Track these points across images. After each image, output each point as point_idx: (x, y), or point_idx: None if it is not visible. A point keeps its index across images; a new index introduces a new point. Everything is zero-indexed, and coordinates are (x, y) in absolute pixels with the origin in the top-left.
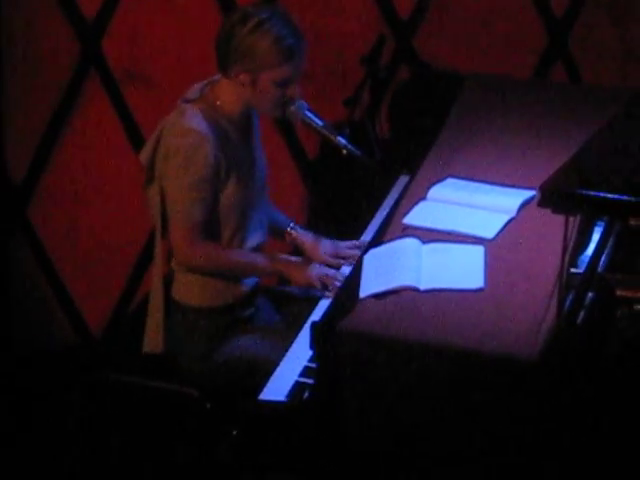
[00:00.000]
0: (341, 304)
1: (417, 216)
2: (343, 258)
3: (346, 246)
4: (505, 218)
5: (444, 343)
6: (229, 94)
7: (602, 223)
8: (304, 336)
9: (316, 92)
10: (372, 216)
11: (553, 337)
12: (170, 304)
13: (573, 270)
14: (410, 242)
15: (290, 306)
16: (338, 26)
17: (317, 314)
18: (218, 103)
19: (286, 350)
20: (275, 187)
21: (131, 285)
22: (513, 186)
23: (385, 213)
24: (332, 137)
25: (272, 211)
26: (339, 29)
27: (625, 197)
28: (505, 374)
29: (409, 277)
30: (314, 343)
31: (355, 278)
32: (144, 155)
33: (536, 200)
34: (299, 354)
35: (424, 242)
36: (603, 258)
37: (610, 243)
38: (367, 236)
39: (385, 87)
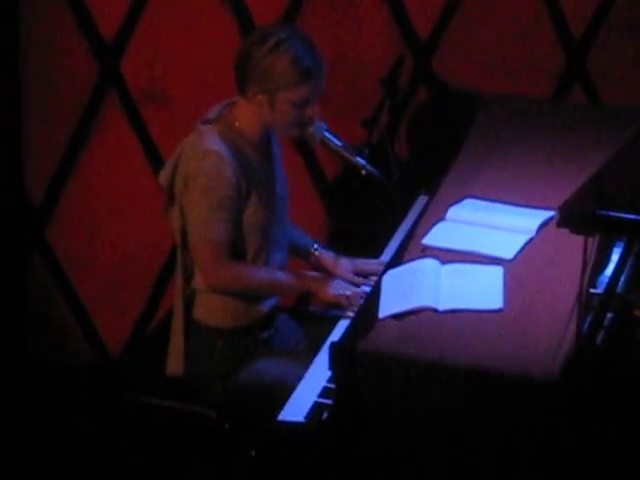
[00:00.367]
0: (360, 324)
1: (436, 236)
2: (364, 274)
3: (365, 263)
4: (524, 239)
5: (463, 363)
6: (247, 115)
7: (621, 243)
8: (323, 357)
9: (335, 112)
10: (391, 236)
11: (572, 357)
12: (191, 324)
13: (592, 290)
14: (429, 262)
15: (309, 326)
16: (357, 47)
17: (336, 334)
18: (237, 124)
19: (305, 371)
20: (294, 207)
21: (150, 305)
22: (532, 207)
23: (404, 233)
24: (351, 157)
25: (295, 231)
26: (358, 50)
27: None
28: (524, 394)
29: (428, 298)
30: (333, 364)
31: (374, 298)
32: (163, 177)
33: (555, 221)
34: (318, 375)
35: (443, 263)
36: (622, 278)
37: (629, 263)
38: (386, 256)
39: (404, 108)
